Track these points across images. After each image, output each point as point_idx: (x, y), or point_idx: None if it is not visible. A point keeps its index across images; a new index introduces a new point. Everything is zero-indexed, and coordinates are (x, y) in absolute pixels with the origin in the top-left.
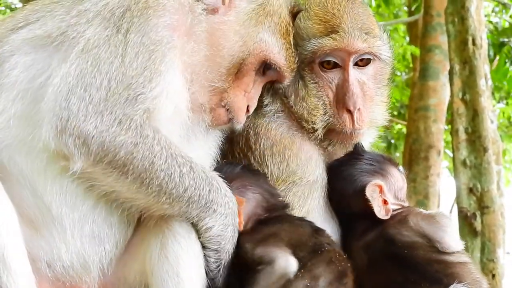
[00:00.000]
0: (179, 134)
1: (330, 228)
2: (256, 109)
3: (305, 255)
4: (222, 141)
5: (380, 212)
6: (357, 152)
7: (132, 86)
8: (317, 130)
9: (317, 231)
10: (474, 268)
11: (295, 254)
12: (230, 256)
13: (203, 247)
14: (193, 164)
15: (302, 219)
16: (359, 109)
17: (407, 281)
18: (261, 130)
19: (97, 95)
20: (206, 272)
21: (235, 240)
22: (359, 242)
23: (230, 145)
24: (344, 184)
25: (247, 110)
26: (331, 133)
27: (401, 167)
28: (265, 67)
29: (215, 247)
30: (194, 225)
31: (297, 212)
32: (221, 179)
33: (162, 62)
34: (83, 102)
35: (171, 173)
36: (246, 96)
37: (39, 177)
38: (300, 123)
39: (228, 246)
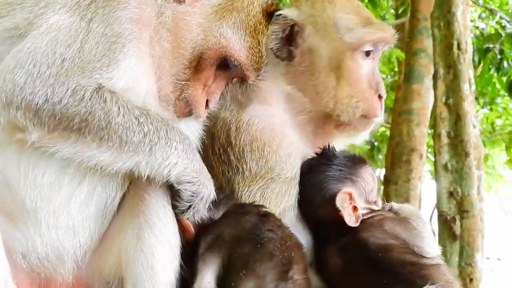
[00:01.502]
0: None
1: (304, 227)
2: (240, 104)
3: (247, 251)
4: (203, 136)
5: (350, 220)
6: (325, 156)
7: (88, 67)
8: (344, 119)
9: (262, 218)
10: (447, 270)
11: (235, 253)
12: (211, 192)
13: (178, 187)
14: (149, 112)
15: (247, 208)
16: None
17: (381, 284)
18: (242, 125)
19: (47, 71)
20: (174, 205)
21: (205, 174)
22: (333, 247)
23: (211, 140)
24: (312, 192)
25: (207, 105)
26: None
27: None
28: (227, 63)
29: (188, 178)
30: (161, 173)
31: (274, 209)
32: (173, 121)
33: (121, 52)
34: (30, 77)
35: (130, 126)
36: (206, 91)
37: (9, 165)
38: (304, 114)
39: (201, 177)
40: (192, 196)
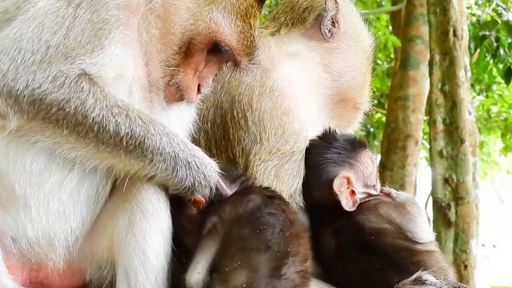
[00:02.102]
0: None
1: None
2: (264, 70)
3: (245, 236)
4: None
5: (347, 204)
6: (326, 138)
7: (72, 54)
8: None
9: (266, 200)
10: (441, 257)
11: (232, 237)
12: (210, 178)
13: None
14: (130, 112)
15: (253, 189)
16: None
17: (373, 267)
18: (265, 90)
19: (31, 58)
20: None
21: (199, 164)
22: (328, 229)
23: (230, 104)
24: (310, 174)
25: (199, 90)
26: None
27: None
28: (218, 48)
29: (174, 181)
30: (139, 176)
31: (285, 190)
32: (159, 122)
33: (106, 38)
34: (14, 63)
35: (106, 125)
36: (197, 76)
37: None
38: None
39: (193, 171)
40: (189, 188)
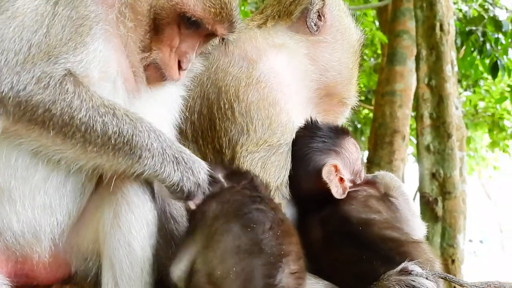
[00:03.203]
0: (123, 101)
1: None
2: (250, 61)
3: (233, 230)
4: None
5: (337, 192)
6: (309, 128)
7: (54, 52)
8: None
9: (253, 198)
10: (428, 248)
11: (216, 231)
12: (199, 175)
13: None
14: (117, 111)
15: (242, 185)
16: None
17: (360, 258)
18: (252, 81)
19: (15, 59)
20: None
21: (186, 162)
22: (315, 218)
23: (217, 95)
24: (297, 165)
25: (180, 66)
26: None
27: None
28: (187, 20)
29: (162, 177)
30: (127, 174)
31: (272, 182)
32: (146, 120)
33: (88, 34)
34: None
35: (93, 125)
36: (175, 52)
37: None
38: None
39: (182, 168)
40: (177, 184)
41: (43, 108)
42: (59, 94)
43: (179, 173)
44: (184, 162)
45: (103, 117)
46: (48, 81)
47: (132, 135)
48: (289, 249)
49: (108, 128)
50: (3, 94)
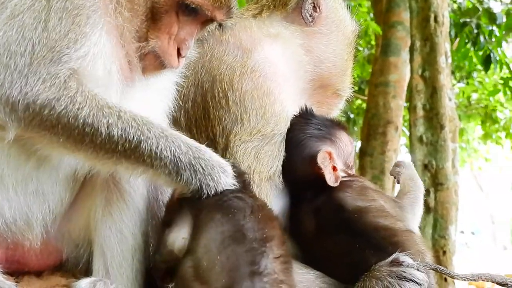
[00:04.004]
0: (116, 90)
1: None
2: (245, 50)
3: (216, 218)
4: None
5: (331, 179)
6: (304, 116)
7: (57, 48)
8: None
9: (232, 189)
10: (420, 239)
11: (202, 219)
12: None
13: None
14: (122, 113)
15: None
16: None
17: (353, 248)
18: (247, 71)
19: (22, 61)
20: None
21: (195, 158)
22: (308, 207)
23: (211, 83)
24: (292, 151)
25: (179, 54)
26: None
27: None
28: (186, 6)
29: (190, 189)
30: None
31: (264, 171)
32: (157, 125)
33: (86, 24)
34: (8, 70)
35: (98, 126)
36: (174, 39)
37: None
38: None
39: (187, 171)
40: (198, 191)
41: (49, 107)
42: (64, 91)
43: (197, 181)
44: (202, 168)
45: (108, 118)
46: (52, 81)
47: (140, 141)
48: (272, 233)
49: (114, 131)
50: (13, 98)
